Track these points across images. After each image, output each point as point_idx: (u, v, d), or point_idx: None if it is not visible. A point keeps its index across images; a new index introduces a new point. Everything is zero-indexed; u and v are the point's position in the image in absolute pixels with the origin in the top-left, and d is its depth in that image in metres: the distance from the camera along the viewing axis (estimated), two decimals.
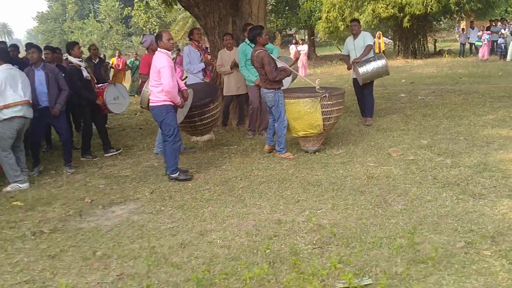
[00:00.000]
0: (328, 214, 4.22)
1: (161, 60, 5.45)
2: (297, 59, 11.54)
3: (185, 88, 5.93)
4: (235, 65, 7.66)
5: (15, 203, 5.22)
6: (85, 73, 6.90)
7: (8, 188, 5.68)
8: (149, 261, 3.48)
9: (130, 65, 17.37)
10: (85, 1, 59.27)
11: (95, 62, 9.26)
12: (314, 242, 3.65)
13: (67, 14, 59.97)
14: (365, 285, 2.93)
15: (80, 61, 6.99)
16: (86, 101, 6.96)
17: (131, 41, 51.19)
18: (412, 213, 4.08)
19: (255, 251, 3.56)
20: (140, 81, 17.23)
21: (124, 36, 52.74)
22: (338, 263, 3.10)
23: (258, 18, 8.21)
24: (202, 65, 7.71)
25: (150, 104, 5.64)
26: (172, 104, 5.59)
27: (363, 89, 7.90)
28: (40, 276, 3.48)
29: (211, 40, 8.67)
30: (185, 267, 3.42)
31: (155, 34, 6.99)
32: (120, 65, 16.70)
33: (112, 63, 16.31)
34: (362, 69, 7.51)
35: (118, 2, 51.98)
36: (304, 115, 6.05)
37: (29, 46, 6.74)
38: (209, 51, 8.60)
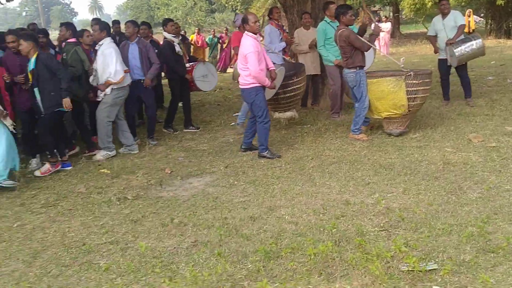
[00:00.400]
0: (398, 198, 4.20)
1: (248, 44, 5.47)
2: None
3: (273, 68, 5.88)
4: (314, 45, 7.63)
5: (102, 170, 5.69)
6: (177, 48, 7.24)
7: (99, 157, 6.15)
8: (221, 231, 3.70)
9: (208, 42, 17.70)
10: None
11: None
12: (382, 224, 3.67)
13: None
14: (429, 270, 2.93)
15: (173, 37, 7.34)
16: (177, 75, 7.30)
17: (214, 18, 52.01)
18: (487, 201, 3.96)
19: (321, 229, 3.65)
20: (218, 57, 17.63)
21: (208, 13, 53.67)
22: (404, 246, 3.12)
23: None
24: (283, 44, 7.69)
25: (240, 86, 5.76)
26: (261, 85, 5.64)
27: (458, 71, 7.53)
28: (123, 238, 3.82)
29: (290, 19, 8.67)
30: (254, 239, 3.59)
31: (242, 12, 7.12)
32: (199, 42, 17.09)
33: (192, 40, 16.72)
34: (458, 50, 7.10)
35: None
36: (387, 95, 5.89)
37: (115, 22, 7.15)
38: (286, 29, 8.60)
